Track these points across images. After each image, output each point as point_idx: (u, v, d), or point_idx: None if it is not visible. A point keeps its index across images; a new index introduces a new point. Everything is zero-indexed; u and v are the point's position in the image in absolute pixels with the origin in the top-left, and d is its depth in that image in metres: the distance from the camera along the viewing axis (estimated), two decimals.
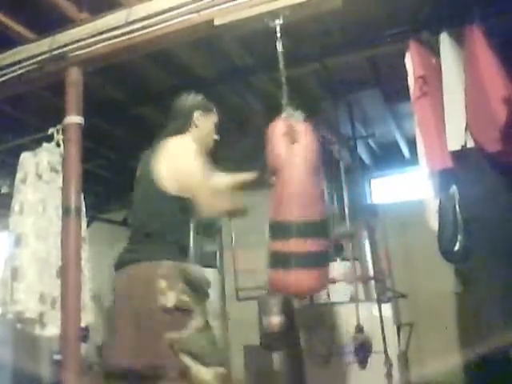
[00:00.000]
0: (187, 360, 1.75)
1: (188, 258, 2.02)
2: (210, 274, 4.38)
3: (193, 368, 1.74)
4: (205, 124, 2.16)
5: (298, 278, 1.91)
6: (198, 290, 1.92)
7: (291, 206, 1.93)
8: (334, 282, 3.84)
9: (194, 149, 1.99)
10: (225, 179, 2.29)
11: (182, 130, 2.12)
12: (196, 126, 2.14)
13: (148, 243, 1.93)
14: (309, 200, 1.95)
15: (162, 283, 1.81)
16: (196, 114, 2.14)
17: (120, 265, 1.95)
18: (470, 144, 2.38)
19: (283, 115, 2.06)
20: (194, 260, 4.34)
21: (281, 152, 1.97)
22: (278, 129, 2.02)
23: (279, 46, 2.16)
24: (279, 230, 1.95)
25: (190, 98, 2.19)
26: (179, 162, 1.97)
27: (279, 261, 1.94)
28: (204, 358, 1.77)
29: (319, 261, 1.96)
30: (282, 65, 2.15)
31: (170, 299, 1.79)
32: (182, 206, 1.96)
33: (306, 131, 2.02)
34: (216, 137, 2.21)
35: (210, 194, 1.96)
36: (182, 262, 1.92)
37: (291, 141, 1.98)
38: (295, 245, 1.90)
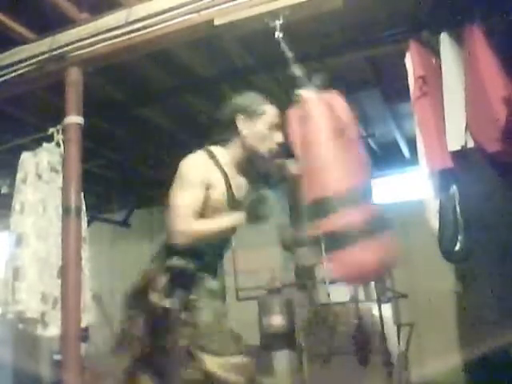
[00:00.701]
0: (201, 354, 1.79)
1: (200, 262, 2.01)
2: None
3: (207, 361, 1.78)
4: (251, 129, 1.97)
5: (365, 253, 1.67)
6: (204, 288, 1.95)
7: (329, 179, 1.76)
8: (334, 282, 3.85)
9: (188, 177, 1.90)
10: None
11: (226, 138, 2.01)
12: (240, 133, 1.98)
13: (163, 246, 1.98)
14: (343, 167, 1.77)
15: (169, 284, 1.86)
16: (238, 120, 1.98)
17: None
18: (470, 144, 2.38)
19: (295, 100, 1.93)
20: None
21: (296, 135, 1.86)
22: (290, 116, 1.91)
23: (282, 45, 2.10)
24: (323, 208, 1.73)
25: (233, 102, 2.03)
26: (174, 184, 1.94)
27: (334, 241, 1.72)
28: (218, 352, 1.81)
29: (375, 227, 1.73)
30: (289, 56, 2.05)
31: (174, 300, 1.84)
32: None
33: (312, 102, 1.88)
34: (276, 140, 2.00)
35: (176, 217, 1.83)
36: (190, 265, 1.93)
37: (304, 119, 1.84)
38: (346, 217, 1.69)
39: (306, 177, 1.84)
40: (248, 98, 2.03)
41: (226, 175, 1.97)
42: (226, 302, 4.49)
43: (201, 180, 1.89)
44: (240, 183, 2.04)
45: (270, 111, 2.01)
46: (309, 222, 1.83)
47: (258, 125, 1.98)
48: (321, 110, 1.85)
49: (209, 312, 1.89)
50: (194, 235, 1.84)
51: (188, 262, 1.93)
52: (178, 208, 1.84)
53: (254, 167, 2.06)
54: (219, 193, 1.94)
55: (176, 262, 1.91)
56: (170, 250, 1.94)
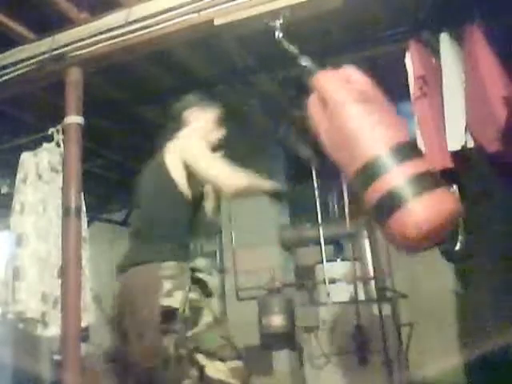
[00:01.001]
0: (201, 358, 1.76)
1: (190, 256, 2.00)
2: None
3: (207, 365, 1.75)
4: (199, 121, 2.13)
5: (420, 209, 1.55)
6: (205, 286, 1.93)
7: (364, 144, 1.67)
8: (334, 281, 3.85)
9: (201, 141, 2.00)
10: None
11: (177, 130, 2.11)
12: (189, 124, 2.12)
13: (151, 244, 1.94)
14: (378, 129, 1.68)
15: (168, 285, 1.81)
16: (187, 113, 2.13)
17: (123, 267, 1.95)
18: (470, 144, 2.38)
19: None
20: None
21: (321, 119, 1.81)
22: (310, 104, 1.87)
23: (284, 43, 2.11)
24: (366, 175, 1.64)
25: (184, 99, 2.19)
26: (186, 148, 1.97)
27: (388, 204, 1.59)
28: (217, 354, 1.78)
29: (428, 184, 1.61)
30: (294, 51, 2.07)
31: (176, 301, 1.80)
32: (188, 204, 1.97)
33: (326, 80, 1.85)
34: (218, 135, 2.16)
35: (223, 170, 1.87)
36: (185, 261, 1.92)
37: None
38: (393, 177, 1.59)
39: (343, 154, 1.75)
40: (198, 95, 2.20)
41: None
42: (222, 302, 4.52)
43: None
44: None
45: (216, 108, 2.19)
46: (358, 195, 1.72)
47: (207, 118, 2.14)
48: (337, 84, 1.81)
49: (208, 312, 1.87)
50: (246, 186, 1.89)
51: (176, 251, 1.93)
52: (218, 166, 1.89)
53: None
54: None
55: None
56: (150, 244, 1.93)
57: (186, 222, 2.01)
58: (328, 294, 3.79)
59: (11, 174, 2.90)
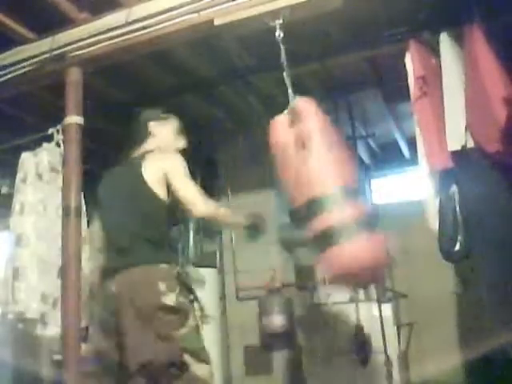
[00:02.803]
0: (187, 358, 1.85)
1: (177, 259, 2.08)
2: (210, 274, 4.37)
3: (193, 365, 1.84)
4: (161, 132, 2.27)
5: (356, 249, 1.70)
6: (191, 292, 2.02)
7: (320, 179, 1.83)
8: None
9: (180, 159, 2.10)
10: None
11: (140, 140, 2.25)
12: (152, 135, 2.25)
13: (144, 248, 2.01)
14: (334, 168, 1.86)
15: (163, 285, 1.89)
16: (150, 124, 2.27)
17: (115, 269, 2.01)
18: (470, 144, 2.38)
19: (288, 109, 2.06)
20: (192, 260, 4.35)
21: (288, 138, 1.97)
22: (282, 121, 2.03)
23: (281, 45, 2.14)
24: (313, 208, 1.79)
25: (144, 113, 2.33)
26: (166, 164, 2.07)
27: (326, 239, 1.74)
28: (200, 355, 1.88)
29: (366, 225, 1.77)
30: (284, 62, 2.14)
31: (171, 300, 1.88)
32: (171, 209, 2.06)
33: (307, 109, 2.04)
34: (181, 144, 2.30)
35: (195, 194, 2.01)
36: (175, 264, 2.03)
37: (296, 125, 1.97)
38: (337, 215, 1.75)
39: (293, 181, 1.92)
40: (155, 109, 2.36)
41: None
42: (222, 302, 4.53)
43: None
44: None
45: (175, 119, 2.34)
46: (300, 226, 1.89)
47: (165, 129, 2.29)
48: (314, 118, 1.98)
49: (194, 317, 1.96)
50: (216, 214, 2.07)
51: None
52: (193, 189, 2.03)
53: None
54: None
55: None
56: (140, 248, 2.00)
57: (169, 227, 2.14)
58: (328, 294, 3.79)
59: (11, 174, 2.90)
